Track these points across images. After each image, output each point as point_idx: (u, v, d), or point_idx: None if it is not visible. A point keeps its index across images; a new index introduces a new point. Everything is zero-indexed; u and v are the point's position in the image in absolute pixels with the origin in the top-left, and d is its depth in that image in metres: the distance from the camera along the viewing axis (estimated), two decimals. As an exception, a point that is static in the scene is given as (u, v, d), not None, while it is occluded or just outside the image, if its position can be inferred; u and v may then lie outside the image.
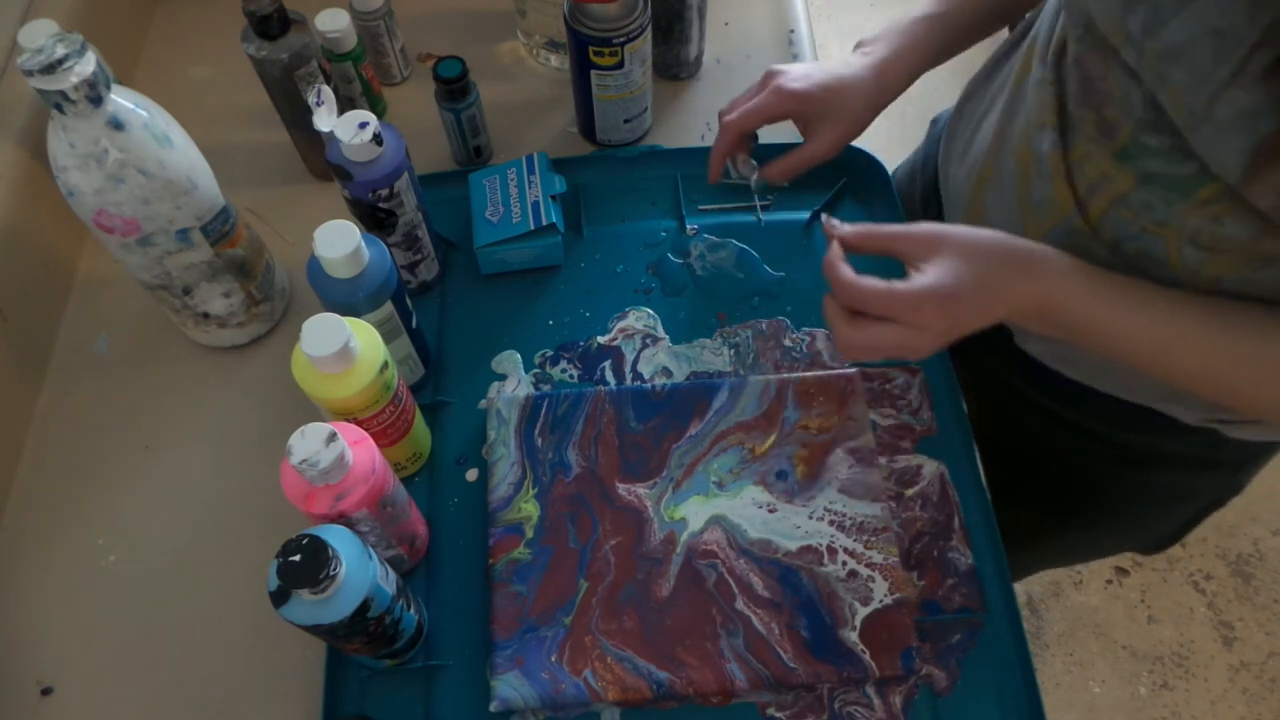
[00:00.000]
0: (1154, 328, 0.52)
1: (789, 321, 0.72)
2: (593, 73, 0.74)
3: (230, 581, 0.63)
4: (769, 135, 0.72)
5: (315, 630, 0.48)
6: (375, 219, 0.64)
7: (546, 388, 0.69)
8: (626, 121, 0.80)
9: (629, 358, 0.70)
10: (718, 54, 0.89)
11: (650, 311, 0.72)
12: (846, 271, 0.54)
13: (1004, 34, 0.72)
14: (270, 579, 0.46)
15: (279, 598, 0.46)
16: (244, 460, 0.68)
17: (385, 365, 0.55)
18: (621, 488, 0.63)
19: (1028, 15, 0.67)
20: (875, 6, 2.19)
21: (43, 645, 0.62)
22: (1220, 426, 0.64)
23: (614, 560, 0.60)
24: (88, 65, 0.53)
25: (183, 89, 0.87)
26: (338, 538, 0.48)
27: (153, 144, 0.57)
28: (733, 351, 0.70)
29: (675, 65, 0.86)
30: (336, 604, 0.47)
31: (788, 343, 0.70)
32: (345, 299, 0.57)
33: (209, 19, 0.91)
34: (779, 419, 0.65)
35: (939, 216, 0.76)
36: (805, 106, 0.66)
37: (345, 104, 0.80)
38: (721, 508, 0.62)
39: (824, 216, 0.59)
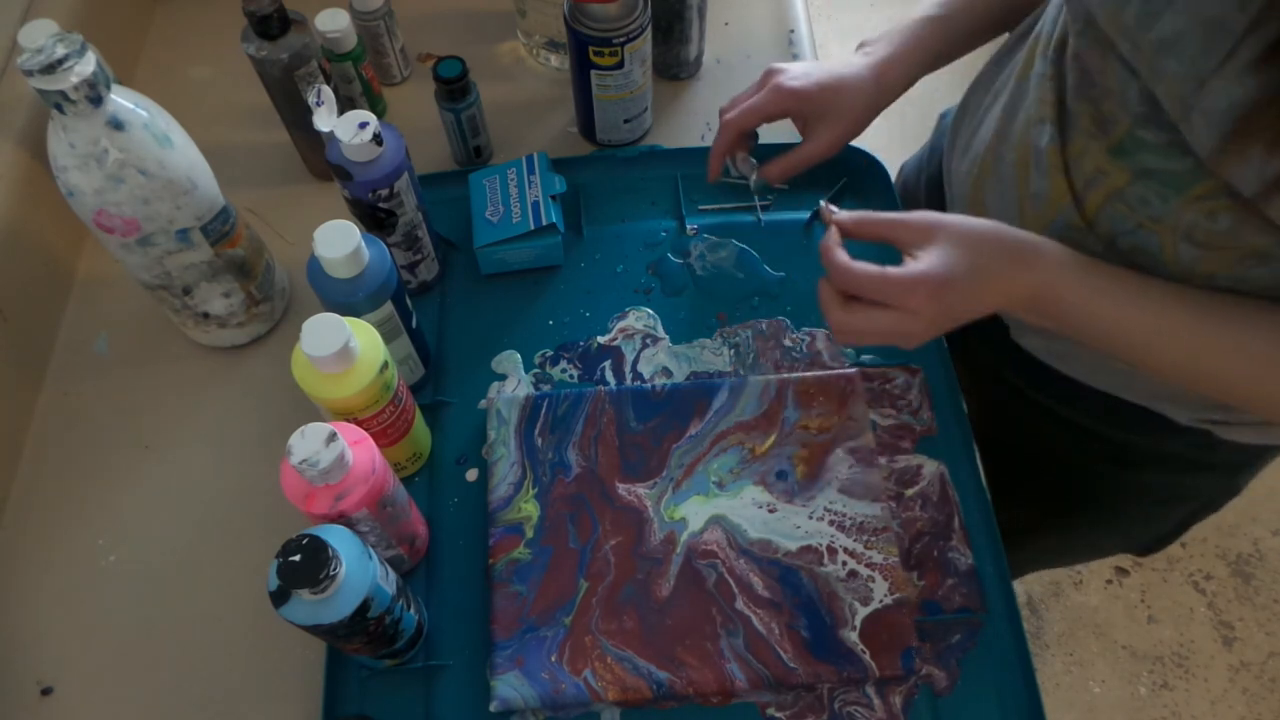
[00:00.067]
0: (1146, 319, 0.52)
1: (789, 321, 0.72)
2: (593, 73, 0.74)
3: (230, 581, 0.63)
4: (769, 135, 0.73)
5: (315, 630, 0.48)
6: (375, 219, 0.64)
7: (546, 388, 0.69)
8: (626, 121, 0.80)
9: (629, 358, 0.70)
10: (718, 54, 0.89)
11: (650, 311, 0.72)
12: (841, 255, 0.54)
13: (1005, 36, 0.72)
14: (270, 579, 0.46)
15: (279, 598, 0.46)
16: (244, 460, 0.68)
17: (385, 365, 0.55)
18: (621, 488, 0.63)
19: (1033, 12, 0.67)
20: (875, 6, 2.19)
21: (43, 645, 0.62)
22: (1213, 428, 0.64)
23: (614, 560, 0.60)
24: (88, 65, 0.53)
25: (183, 89, 0.87)
26: (338, 538, 0.48)
27: (153, 144, 0.57)
28: (733, 351, 0.70)
29: (675, 65, 0.86)
30: (336, 604, 0.47)
31: (788, 343, 0.70)
32: (345, 299, 0.57)
33: (209, 19, 0.91)
34: (779, 419, 0.65)
35: (941, 209, 0.77)
36: (805, 105, 0.66)
37: (345, 104, 0.80)
38: (721, 508, 0.62)
39: (822, 202, 0.59)
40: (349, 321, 0.53)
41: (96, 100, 0.54)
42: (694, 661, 0.57)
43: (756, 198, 0.76)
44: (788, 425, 0.65)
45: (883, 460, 0.65)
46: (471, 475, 0.66)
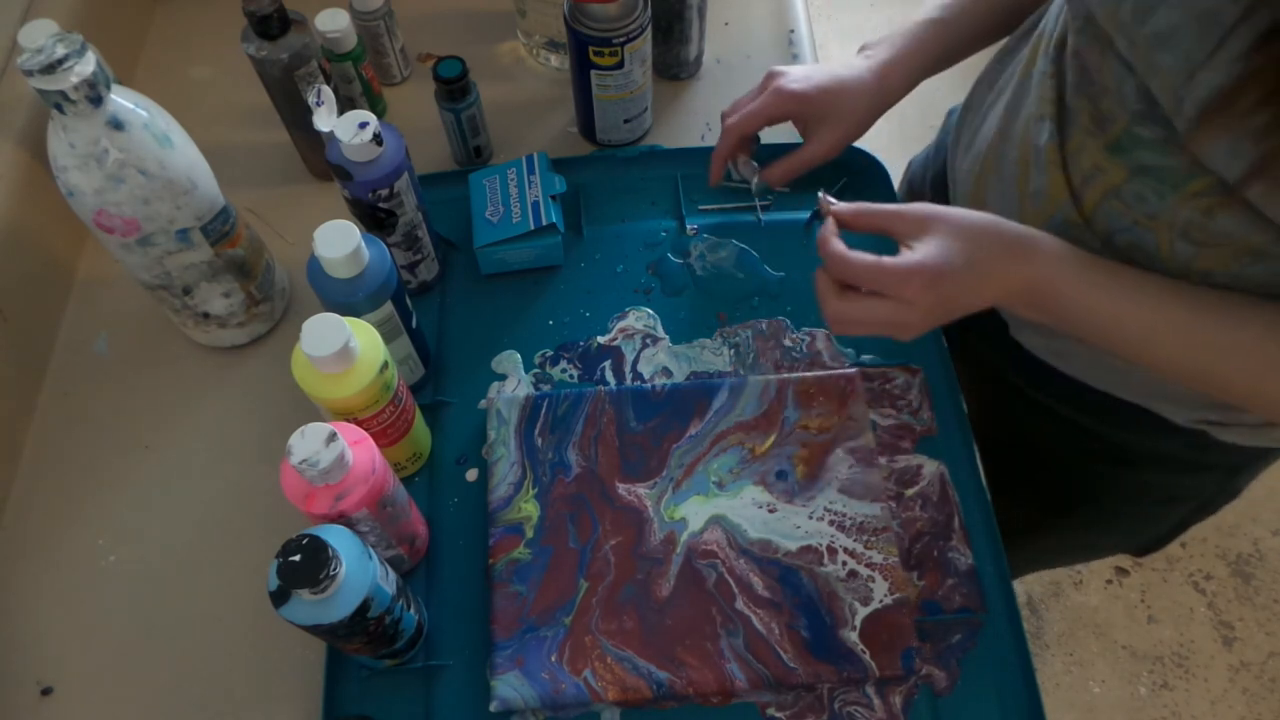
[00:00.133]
0: (1143, 314, 0.52)
1: (789, 321, 0.72)
2: (593, 73, 0.74)
3: (230, 581, 0.63)
4: (770, 136, 0.73)
5: (315, 630, 0.48)
6: (375, 219, 0.64)
7: (546, 388, 0.69)
8: (626, 121, 0.80)
9: (629, 358, 0.70)
10: (718, 54, 0.89)
11: (650, 311, 0.72)
12: (838, 245, 0.54)
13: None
14: (270, 579, 0.46)
15: (279, 598, 0.46)
16: (244, 460, 0.68)
17: (385, 365, 0.55)
18: (621, 488, 0.63)
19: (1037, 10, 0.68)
20: (875, 7, 2.19)
21: (43, 645, 0.62)
22: (1210, 428, 0.64)
23: (614, 560, 0.60)
24: (88, 65, 0.53)
25: (183, 89, 0.87)
26: (338, 538, 0.48)
27: (153, 144, 0.57)
28: (733, 351, 0.70)
29: (675, 65, 0.86)
30: (336, 604, 0.47)
31: (788, 343, 0.70)
32: (345, 299, 0.57)
33: (209, 19, 0.91)
34: (779, 419, 0.65)
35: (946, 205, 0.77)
36: (806, 108, 0.66)
37: (345, 104, 0.80)
38: (721, 508, 0.62)
39: (820, 193, 0.59)
40: (349, 321, 0.53)
41: (96, 100, 0.54)
42: (694, 661, 0.57)
43: (757, 199, 0.77)
44: (788, 425, 0.65)
45: (883, 460, 0.65)
46: (471, 475, 0.66)
